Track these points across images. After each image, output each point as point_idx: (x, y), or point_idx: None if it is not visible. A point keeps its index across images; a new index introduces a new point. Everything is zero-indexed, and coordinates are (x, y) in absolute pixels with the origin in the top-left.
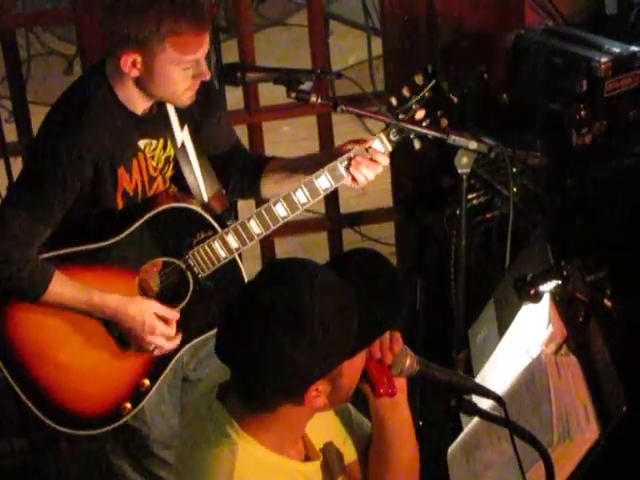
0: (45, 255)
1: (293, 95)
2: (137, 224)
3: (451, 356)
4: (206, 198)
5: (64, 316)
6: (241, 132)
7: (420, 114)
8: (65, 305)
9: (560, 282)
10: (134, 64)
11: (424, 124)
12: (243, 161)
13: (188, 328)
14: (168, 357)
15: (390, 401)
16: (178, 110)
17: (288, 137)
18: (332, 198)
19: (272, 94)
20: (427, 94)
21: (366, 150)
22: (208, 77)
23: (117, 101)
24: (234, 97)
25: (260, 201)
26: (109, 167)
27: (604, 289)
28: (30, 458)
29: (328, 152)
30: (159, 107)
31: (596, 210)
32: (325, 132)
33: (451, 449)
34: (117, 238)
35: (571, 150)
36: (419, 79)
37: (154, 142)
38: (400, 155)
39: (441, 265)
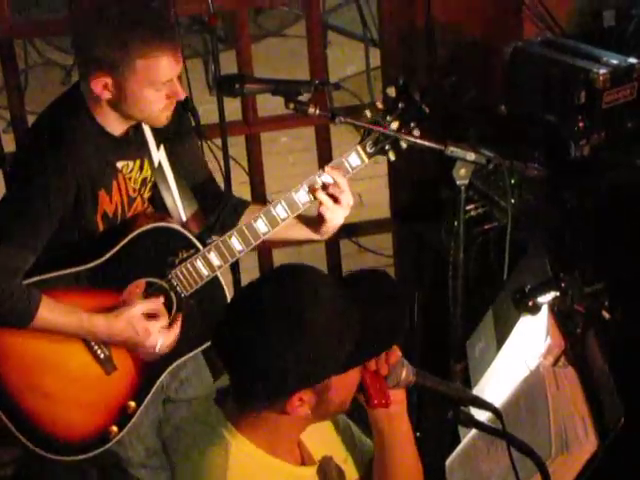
0: (28, 280)
1: (291, 106)
2: (119, 246)
3: (449, 367)
4: (184, 218)
5: (48, 343)
6: (239, 143)
7: (394, 125)
8: (54, 329)
9: (558, 294)
10: (105, 87)
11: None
12: (217, 201)
13: (174, 346)
14: (153, 377)
15: (388, 413)
16: (154, 130)
17: (286, 148)
18: None
19: (270, 105)
20: (400, 105)
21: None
22: (182, 97)
23: (95, 123)
24: (232, 108)
25: None
26: (90, 190)
27: (602, 301)
28: (24, 468)
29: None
30: (136, 128)
31: (594, 222)
32: (323, 143)
33: (449, 460)
34: (99, 260)
35: (569, 162)
36: (391, 91)
37: (131, 163)
38: (398, 166)
39: (439, 276)
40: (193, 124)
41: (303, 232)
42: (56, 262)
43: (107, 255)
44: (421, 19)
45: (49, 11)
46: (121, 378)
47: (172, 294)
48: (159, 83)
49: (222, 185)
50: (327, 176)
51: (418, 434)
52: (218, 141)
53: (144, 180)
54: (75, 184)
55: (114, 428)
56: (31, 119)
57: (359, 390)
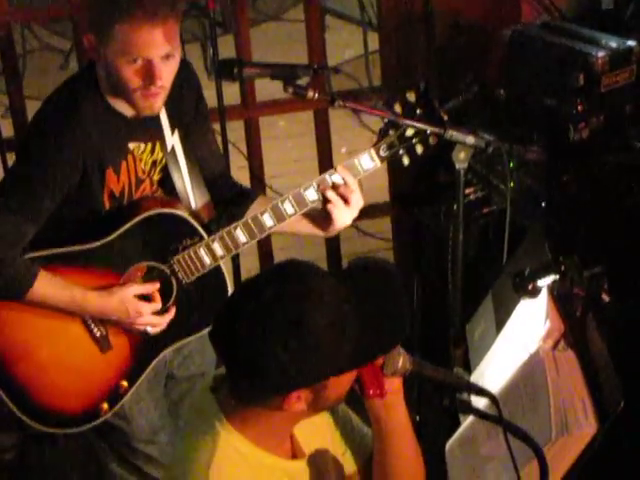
0: (30, 255)
1: (290, 90)
2: (123, 228)
3: (448, 352)
4: (194, 205)
5: (46, 316)
6: (238, 127)
7: (410, 131)
8: (49, 303)
9: (557, 277)
10: (90, 46)
11: (414, 140)
12: (228, 193)
13: (171, 331)
14: (147, 359)
15: (385, 403)
16: (169, 114)
17: (285, 132)
18: None
19: (269, 89)
20: (419, 112)
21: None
22: (159, 83)
23: (106, 103)
24: (231, 92)
25: None
26: (97, 167)
27: (601, 284)
28: (26, 453)
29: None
30: None
31: (594, 205)
32: (322, 127)
33: (449, 444)
34: (103, 241)
35: (568, 145)
36: (411, 95)
37: (142, 145)
38: None
39: (438, 260)
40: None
41: (308, 228)
42: (61, 239)
43: (111, 236)
44: (419, 3)
45: None
46: (115, 357)
47: (173, 279)
48: (132, 55)
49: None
50: (338, 176)
51: (417, 418)
52: (217, 126)
53: (154, 162)
54: (81, 160)
55: (105, 405)
56: (29, 104)
57: (355, 381)
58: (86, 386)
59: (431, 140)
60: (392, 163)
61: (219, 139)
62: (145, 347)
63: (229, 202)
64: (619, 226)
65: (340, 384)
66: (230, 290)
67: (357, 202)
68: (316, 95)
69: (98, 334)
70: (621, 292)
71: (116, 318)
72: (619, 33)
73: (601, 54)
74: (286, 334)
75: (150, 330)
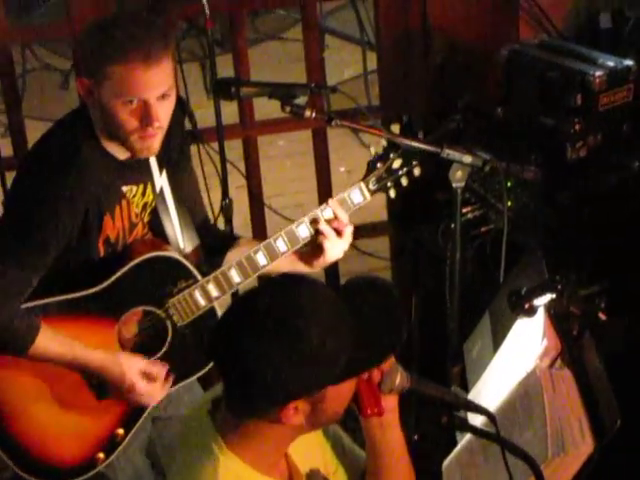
0: (27, 305)
1: (287, 109)
2: (118, 273)
3: (446, 370)
4: (183, 246)
5: (41, 366)
6: (236, 146)
7: (397, 163)
8: (48, 359)
9: (554, 296)
10: (85, 90)
11: (400, 172)
12: (209, 232)
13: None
14: (144, 407)
15: (381, 422)
16: (157, 154)
17: (284, 151)
18: None
19: (268, 108)
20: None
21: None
22: (157, 124)
23: (101, 147)
24: (229, 111)
25: None
26: (97, 214)
27: (598, 303)
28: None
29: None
30: None
31: (591, 224)
32: (320, 146)
33: (446, 463)
34: (98, 287)
35: (566, 164)
36: (396, 128)
37: (134, 188)
38: None
39: (436, 279)
40: (191, 128)
41: (296, 265)
42: (54, 287)
43: (106, 282)
44: (417, 22)
45: (52, 15)
46: (112, 405)
47: (168, 323)
48: (127, 97)
49: (219, 192)
50: (329, 210)
51: (415, 437)
52: (215, 145)
53: (145, 205)
54: (84, 209)
55: (101, 455)
56: (29, 124)
57: (353, 400)
58: (82, 436)
59: (416, 172)
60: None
61: (217, 158)
62: None
63: (208, 249)
64: (617, 244)
65: (337, 397)
66: None
67: (349, 235)
68: (314, 114)
69: (95, 382)
70: (619, 310)
71: (110, 381)
72: (617, 52)
73: (599, 73)
74: (281, 343)
75: (143, 403)
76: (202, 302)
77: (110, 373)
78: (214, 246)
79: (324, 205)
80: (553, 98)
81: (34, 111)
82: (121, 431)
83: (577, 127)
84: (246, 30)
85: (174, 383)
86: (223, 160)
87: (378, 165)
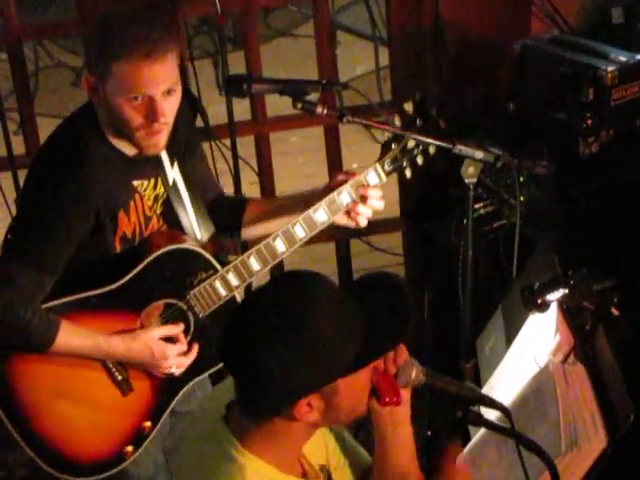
0: (48, 305)
1: (299, 106)
2: (138, 268)
3: (459, 366)
4: (200, 236)
5: (66, 365)
6: (249, 143)
7: (411, 143)
8: (73, 353)
9: (567, 291)
10: (90, 87)
11: (415, 151)
12: (222, 203)
13: (190, 367)
14: (169, 397)
15: (392, 417)
16: (167, 147)
17: (296, 148)
18: None
19: (280, 105)
20: (418, 122)
21: (363, 186)
22: (163, 120)
23: (109, 144)
24: (241, 108)
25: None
26: (110, 212)
27: (611, 298)
28: (38, 469)
29: (310, 192)
30: None
31: (603, 219)
32: (332, 143)
33: (459, 459)
34: (118, 283)
35: (578, 159)
36: (409, 106)
37: (145, 182)
38: None
39: (448, 275)
40: (203, 124)
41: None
42: (74, 285)
43: (126, 277)
44: (429, 17)
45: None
46: (137, 399)
47: (190, 315)
48: (132, 94)
49: (231, 189)
50: (345, 194)
51: (429, 433)
52: (227, 141)
53: (156, 197)
54: (95, 208)
55: (129, 448)
56: (41, 121)
57: (371, 392)
58: (110, 432)
59: (431, 150)
60: (400, 178)
61: (229, 155)
62: (166, 386)
63: (225, 221)
64: (629, 239)
65: (351, 391)
66: None
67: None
68: (325, 111)
69: (119, 377)
70: (632, 305)
71: (141, 362)
72: (629, 47)
73: (611, 68)
74: (288, 337)
75: (175, 371)
76: (223, 292)
77: (136, 352)
78: (229, 216)
79: (340, 189)
80: (565, 93)
81: (46, 108)
82: (148, 424)
83: (589, 122)
84: (258, 27)
85: (201, 372)
86: (235, 157)
87: (393, 146)
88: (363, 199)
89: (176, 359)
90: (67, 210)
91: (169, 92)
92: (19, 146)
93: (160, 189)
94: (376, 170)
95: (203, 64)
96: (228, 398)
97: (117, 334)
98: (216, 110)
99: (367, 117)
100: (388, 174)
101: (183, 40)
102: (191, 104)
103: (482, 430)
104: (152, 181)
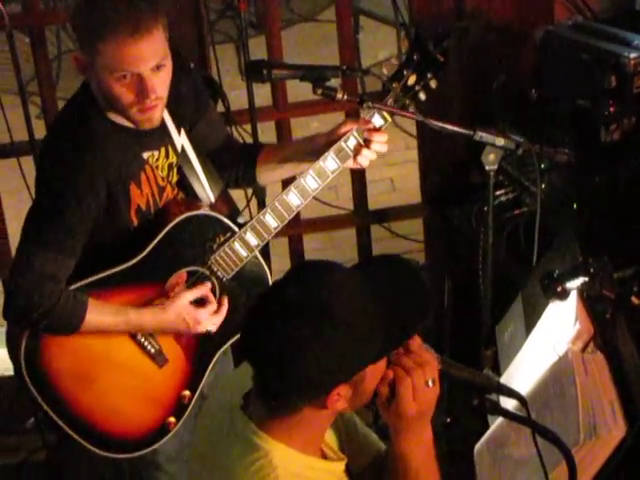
0: (73, 286)
1: (319, 92)
2: (157, 239)
3: (478, 353)
4: (213, 199)
5: (98, 343)
6: (270, 128)
7: (412, 79)
8: (104, 330)
9: (587, 279)
10: (79, 64)
11: (417, 87)
12: (236, 151)
13: (220, 331)
14: (205, 363)
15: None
16: (172, 115)
17: (317, 133)
18: (360, 194)
19: (303, 90)
20: (415, 58)
21: (369, 130)
22: (154, 95)
23: (110, 121)
24: (262, 93)
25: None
26: (121, 186)
27: (632, 286)
28: (55, 454)
29: (321, 135)
30: None
31: (625, 207)
32: None
33: (478, 447)
34: (139, 257)
35: (600, 146)
36: (404, 45)
37: (156, 153)
38: (428, 152)
39: (469, 262)
40: (224, 110)
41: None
42: (97, 264)
43: (146, 250)
44: (451, 3)
45: None
46: (174, 369)
47: (214, 279)
48: (120, 72)
49: None
50: (352, 140)
51: (448, 420)
52: (248, 127)
53: (170, 165)
54: (105, 183)
55: (172, 419)
56: (62, 106)
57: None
58: (150, 405)
59: (432, 84)
60: (424, 160)
61: (250, 140)
62: (200, 352)
63: (237, 163)
64: None
65: (375, 376)
66: (270, 279)
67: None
68: (345, 96)
69: (152, 350)
70: None
71: (175, 330)
72: None
73: (633, 55)
74: (319, 332)
75: (212, 329)
76: (243, 253)
77: (169, 323)
78: (243, 161)
79: (346, 136)
80: (587, 80)
81: (69, 92)
82: (187, 392)
83: (611, 109)
84: (280, 11)
85: (232, 335)
86: (256, 142)
87: (394, 85)
88: (367, 142)
89: (209, 320)
90: (77, 190)
91: (158, 67)
92: (41, 130)
93: (172, 157)
94: (380, 112)
95: (226, 49)
96: (244, 388)
97: (147, 307)
98: (239, 95)
99: (384, 96)
100: (392, 114)
101: (204, 21)
102: (212, 89)
103: (500, 418)
104: (162, 151)
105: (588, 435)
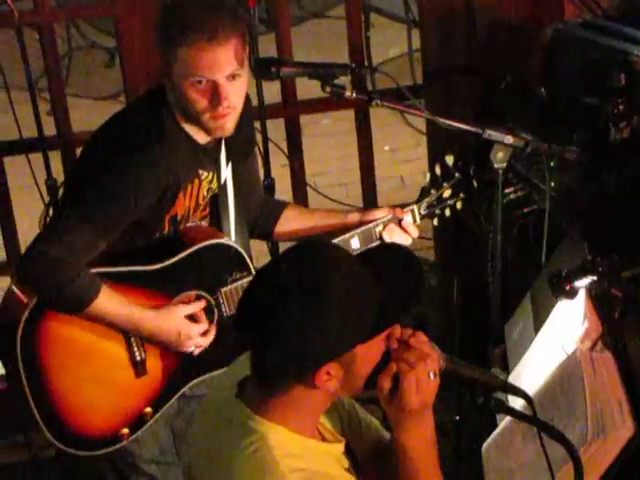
0: (92, 270)
1: (328, 90)
2: (183, 254)
3: (487, 351)
4: (235, 241)
5: (92, 335)
6: (280, 126)
7: (447, 193)
8: (106, 319)
9: (595, 278)
10: (163, 73)
11: (448, 202)
12: (260, 204)
13: (204, 362)
14: (176, 387)
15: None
16: (227, 145)
17: (328, 130)
18: (370, 191)
19: (313, 87)
20: (456, 175)
21: (399, 222)
22: (226, 104)
23: (182, 130)
24: (272, 90)
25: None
26: (173, 192)
27: None
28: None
29: (354, 214)
30: (218, 140)
31: (634, 205)
32: (363, 125)
33: (486, 445)
34: (162, 264)
35: (609, 145)
36: (450, 159)
37: (206, 173)
38: (437, 149)
39: (478, 259)
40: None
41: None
42: (118, 258)
43: (171, 261)
44: (461, 0)
45: None
46: (147, 383)
47: (216, 311)
48: (195, 77)
49: (262, 171)
50: (380, 226)
51: (457, 418)
52: (257, 124)
53: (209, 189)
54: (163, 186)
55: (125, 430)
56: (74, 102)
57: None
58: (113, 409)
59: (458, 205)
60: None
61: (259, 137)
62: (177, 376)
63: (259, 214)
64: None
65: (368, 358)
66: None
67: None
68: (354, 94)
69: (138, 358)
70: None
71: (166, 340)
72: None
73: None
74: (309, 309)
75: (195, 351)
76: None
77: (165, 328)
78: (266, 219)
79: (375, 222)
80: (596, 78)
81: (80, 89)
82: (149, 410)
83: (620, 107)
84: (291, 8)
85: (213, 369)
86: (265, 139)
87: (432, 191)
88: (390, 232)
89: (198, 339)
90: (140, 181)
91: (233, 77)
92: (50, 126)
93: (214, 185)
94: (413, 212)
95: None
96: (239, 378)
97: (151, 309)
98: (249, 92)
99: (398, 100)
100: (422, 218)
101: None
102: None
103: (508, 417)
104: (211, 174)
105: (596, 434)
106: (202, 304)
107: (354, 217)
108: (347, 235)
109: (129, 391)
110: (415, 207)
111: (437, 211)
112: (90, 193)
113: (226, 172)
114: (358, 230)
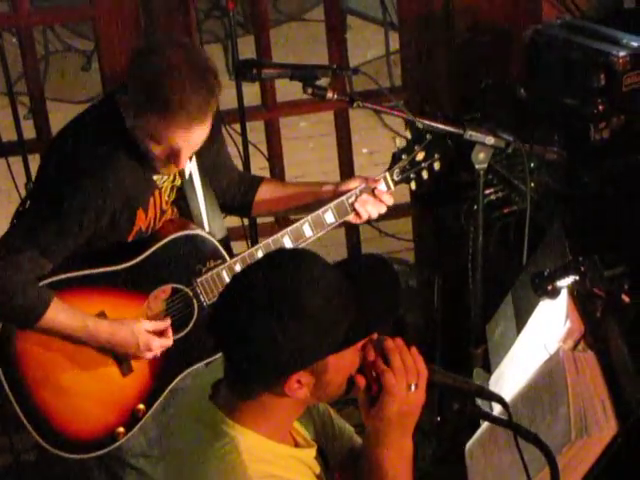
0: (57, 278)
1: (309, 91)
2: (150, 250)
3: (469, 351)
4: (207, 228)
5: (71, 343)
6: (258, 128)
7: (420, 156)
8: (61, 332)
9: (577, 277)
10: (132, 113)
11: (423, 165)
12: (236, 181)
13: (190, 353)
14: (166, 382)
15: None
16: None
17: (306, 133)
18: None
19: (291, 89)
20: (428, 137)
21: (372, 191)
22: (182, 166)
23: (132, 143)
24: (251, 93)
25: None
26: (128, 211)
27: (622, 284)
28: (45, 453)
29: (327, 186)
30: None
31: (614, 205)
32: (342, 128)
33: (468, 446)
34: (130, 263)
35: (589, 145)
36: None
37: (165, 176)
38: None
39: (459, 260)
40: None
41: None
42: (86, 261)
43: (139, 258)
44: (439, 2)
45: None
46: (135, 381)
47: (195, 301)
48: (162, 144)
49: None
50: (353, 197)
51: (438, 419)
52: (237, 126)
53: (172, 188)
54: (112, 212)
55: (121, 429)
56: (52, 105)
57: (367, 388)
58: (105, 411)
59: (436, 166)
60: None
61: (239, 140)
62: (164, 370)
63: (235, 192)
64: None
65: (340, 368)
66: None
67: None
68: (335, 96)
69: (121, 357)
70: None
71: (123, 350)
72: None
73: (622, 54)
74: (280, 317)
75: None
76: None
77: (121, 338)
78: (242, 196)
79: (350, 194)
80: (576, 79)
81: (56, 93)
82: (142, 407)
83: (600, 108)
84: (268, 11)
85: (201, 359)
86: (245, 142)
87: (403, 156)
88: (362, 203)
89: (159, 350)
90: (84, 212)
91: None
92: (29, 131)
93: (177, 180)
94: (385, 179)
95: (213, 49)
96: (216, 377)
97: (106, 319)
98: (226, 95)
99: (377, 102)
100: (396, 184)
101: (193, 24)
102: None
103: None
104: (172, 175)
105: (579, 433)
106: (167, 322)
107: (328, 188)
108: (320, 210)
109: (118, 391)
110: (387, 174)
111: (412, 175)
112: (37, 219)
113: (190, 166)
114: (331, 204)
